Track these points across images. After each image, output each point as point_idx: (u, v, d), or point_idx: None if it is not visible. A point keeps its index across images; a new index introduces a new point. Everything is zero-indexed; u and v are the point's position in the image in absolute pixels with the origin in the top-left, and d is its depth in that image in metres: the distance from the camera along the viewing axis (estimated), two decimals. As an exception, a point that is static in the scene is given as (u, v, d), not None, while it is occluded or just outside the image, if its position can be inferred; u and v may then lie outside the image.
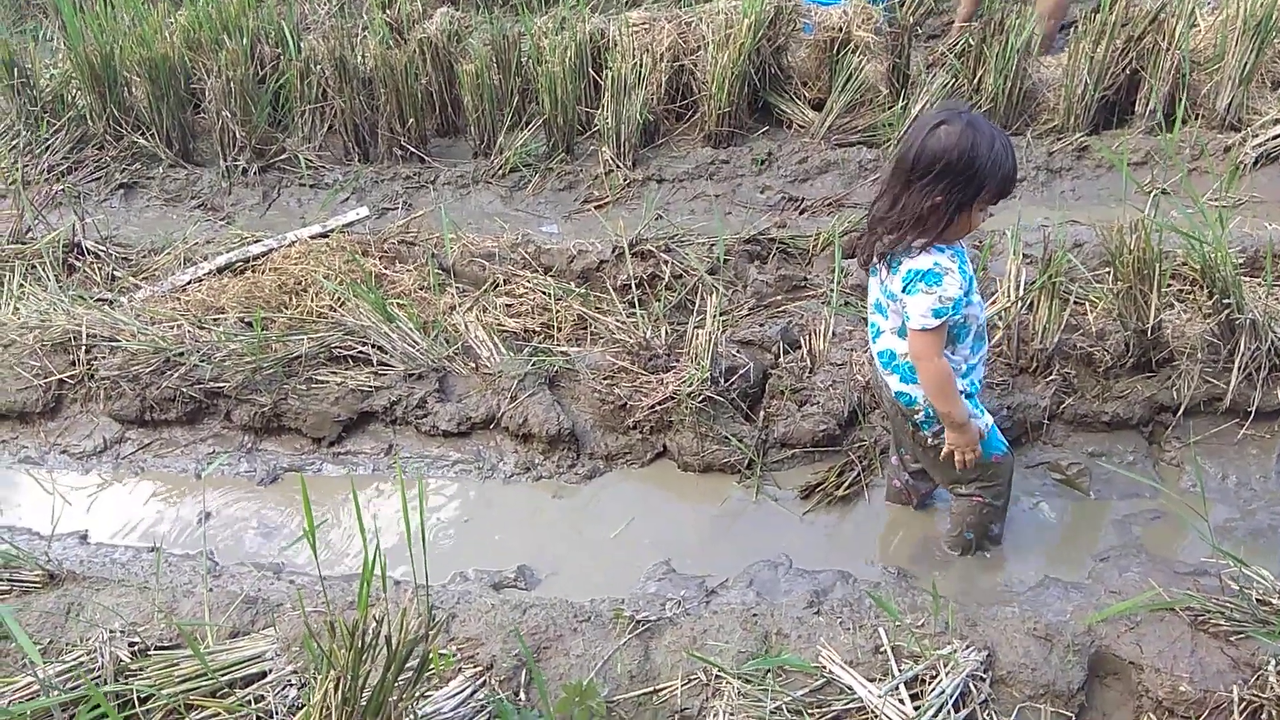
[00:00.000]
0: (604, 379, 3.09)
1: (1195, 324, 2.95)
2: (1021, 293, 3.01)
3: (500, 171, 4.37)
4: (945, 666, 2.06)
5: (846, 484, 2.82)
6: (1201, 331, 2.91)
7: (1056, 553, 2.61)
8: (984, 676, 2.08)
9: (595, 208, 4.20)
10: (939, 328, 2.07)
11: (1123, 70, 4.16)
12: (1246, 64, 3.98)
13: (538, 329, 3.38)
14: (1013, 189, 2.06)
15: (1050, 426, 2.91)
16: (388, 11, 5.12)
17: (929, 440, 2.34)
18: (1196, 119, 4.15)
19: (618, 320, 3.30)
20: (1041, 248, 3.00)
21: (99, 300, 3.60)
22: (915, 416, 2.31)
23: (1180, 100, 4.05)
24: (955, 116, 1.99)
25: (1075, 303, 3.08)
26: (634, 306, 3.35)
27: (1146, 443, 2.91)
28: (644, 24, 4.60)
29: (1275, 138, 3.95)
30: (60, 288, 3.70)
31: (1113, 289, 3.01)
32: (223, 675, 2.14)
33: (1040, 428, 2.89)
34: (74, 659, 2.23)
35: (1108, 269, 3.13)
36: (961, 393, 2.24)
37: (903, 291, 2.09)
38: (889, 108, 4.34)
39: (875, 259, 2.17)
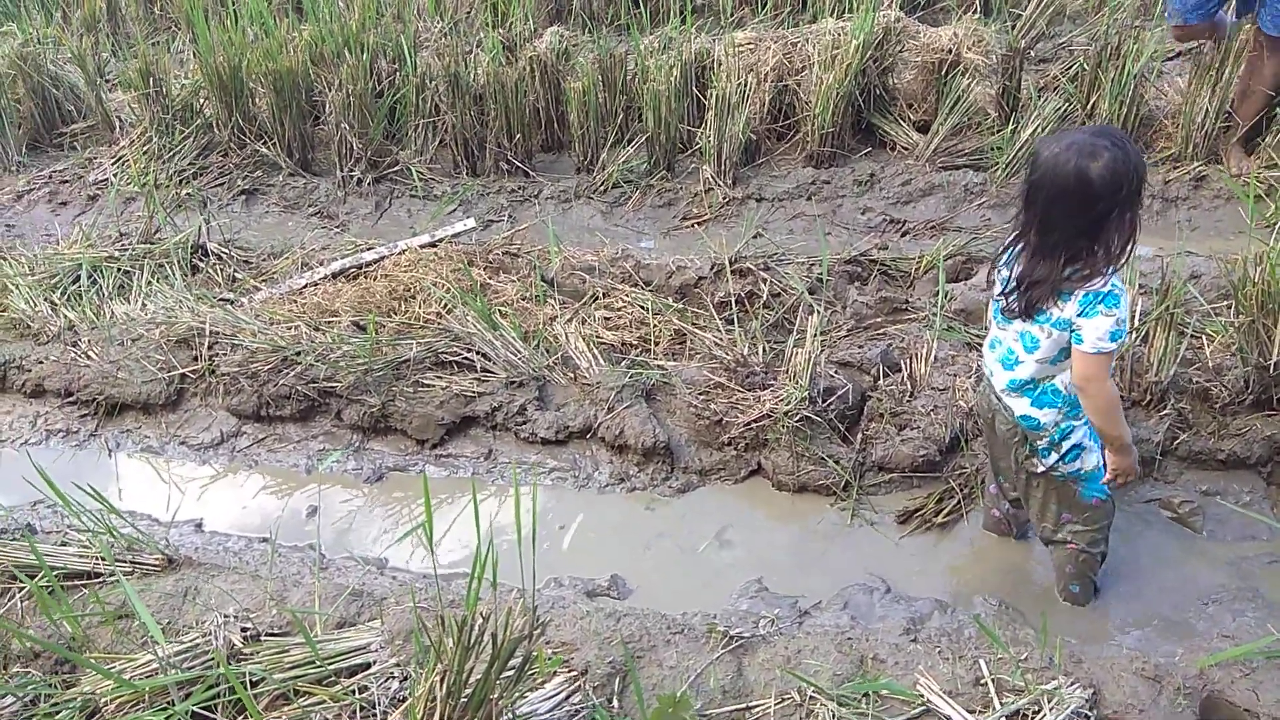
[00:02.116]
0: (700, 394, 3.11)
1: (1322, 362, 2.83)
2: (1137, 323, 2.92)
3: (602, 187, 4.45)
4: (1049, 702, 2.02)
5: (946, 511, 2.78)
6: (1329, 370, 2.78)
7: (1166, 592, 2.52)
8: (1089, 715, 2.03)
9: (695, 225, 4.24)
10: (1114, 350, 2.05)
11: (1247, 98, 4.01)
12: (1382, 93, 3.80)
13: (635, 342, 3.42)
14: None
15: (1163, 462, 2.82)
16: (499, 30, 5.26)
17: (1039, 469, 2.29)
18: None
19: (715, 336, 3.32)
20: (1158, 277, 2.92)
21: (221, 300, 3.78)
22: (1038, 442, 2.26)
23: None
24: (1080, 148, 1.95)
25: (1192, 336, 2.98)
26: (732, 323, 3.36)
27: (1265, 483, 2.79)
28: (749, 44, 4.64)
29: None
30: (185, 286, 3.90)
31: (1233, 322, 2.90)
32: (330, 664, 2.22)
33: (1153, 463, 2.80)
34: (190, 640, 2.34)
35: (1227, 302, 3.03)
36: (1084, 421, 2.21)
37: (1079, 315, 2.04)
38: (997, 131, 4.28)
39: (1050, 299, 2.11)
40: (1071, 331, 2.08)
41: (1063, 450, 2.25)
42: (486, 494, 3.06)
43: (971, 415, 2.91)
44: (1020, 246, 2.12)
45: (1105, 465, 2.29)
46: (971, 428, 2.91)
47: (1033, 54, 4.85)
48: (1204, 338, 3.01)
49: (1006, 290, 2.16)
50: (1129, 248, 2.03)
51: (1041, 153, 2.01)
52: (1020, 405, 2.24)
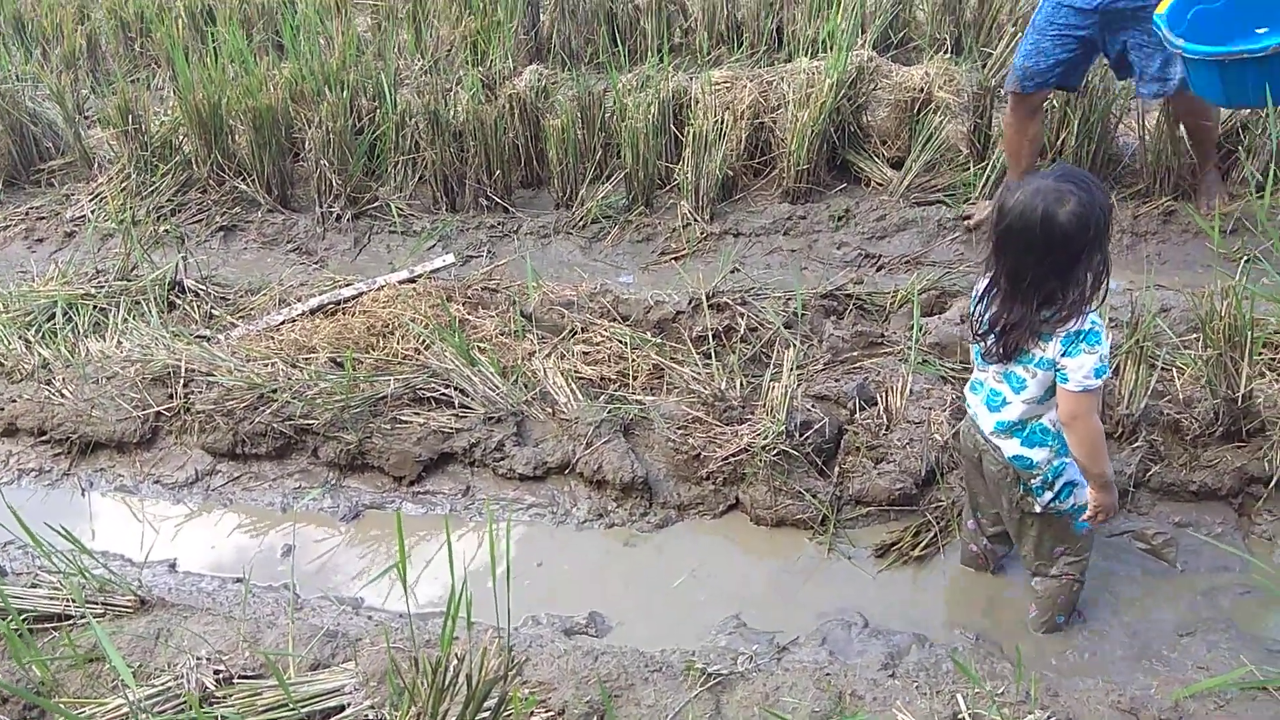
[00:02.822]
0: (678, 429, 3.12)
1: (1289, 394, 2.87)
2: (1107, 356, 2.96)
3: (581, 223, 4.48)
4: (1025, 736, 2.02)
5: (922, 544, 2.79)
6: (1295, 402, 2.83)
7: (1140, 624, 2.53)
8: (1065, 749, 2.03)
9: (673, 260, 4.27)
10: (1099, 387, 2.08)
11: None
12: (1343, 130, 3.89)
13: (614, 377, 3.43)
14: None
15: (1135, 494, 2.84)
16: (479, 68, 5.31)
17: (1035, 509, 2.30)
18: (1290, 185, 4.05)
19: (693, 371, 3.33)
20: (1128, 311, 2.96)
21: (197, 337, 3.76)
22: (1031, 481, 2.27)
23: (1272, 168, 3.97)
24: (1048, 196, 1.97)
25: (1162, 368, 3.03)
26: (709, 358, 3.38)
27: (1236, 514, 2.82)
28: (726, 82, 4.70)
29: (1374, 205, 3.84)
30: (162, 324, 3.88)
31: (1201, 355, 2.95)
32: (304, 707, 2.19)
33: (1125, 495, 2.82)
34: (162, 684, 2.31)
35: (1196, 335, 3.08)
36: (1065, 460, 2.23)
37: (1063, 355, 2.07)
38: (969, 168, 4.35)
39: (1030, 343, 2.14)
40: (1056, 371, 2.10)
41: (1056, 488, 2.26)
42: (464, 531, 3.05)
43: (947, 449, 2.94)
44: (993, 291, 2.15)
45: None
46: (947, 461, 2.93)
47: (1002, 92, 4.93)
48: (1174, 370, 3.05)
49: (983, 333, 2.19)
50: (1103, 287, 2.06)
51: (1007, 201, 2.03)
52: (1010, 446, 2.25)
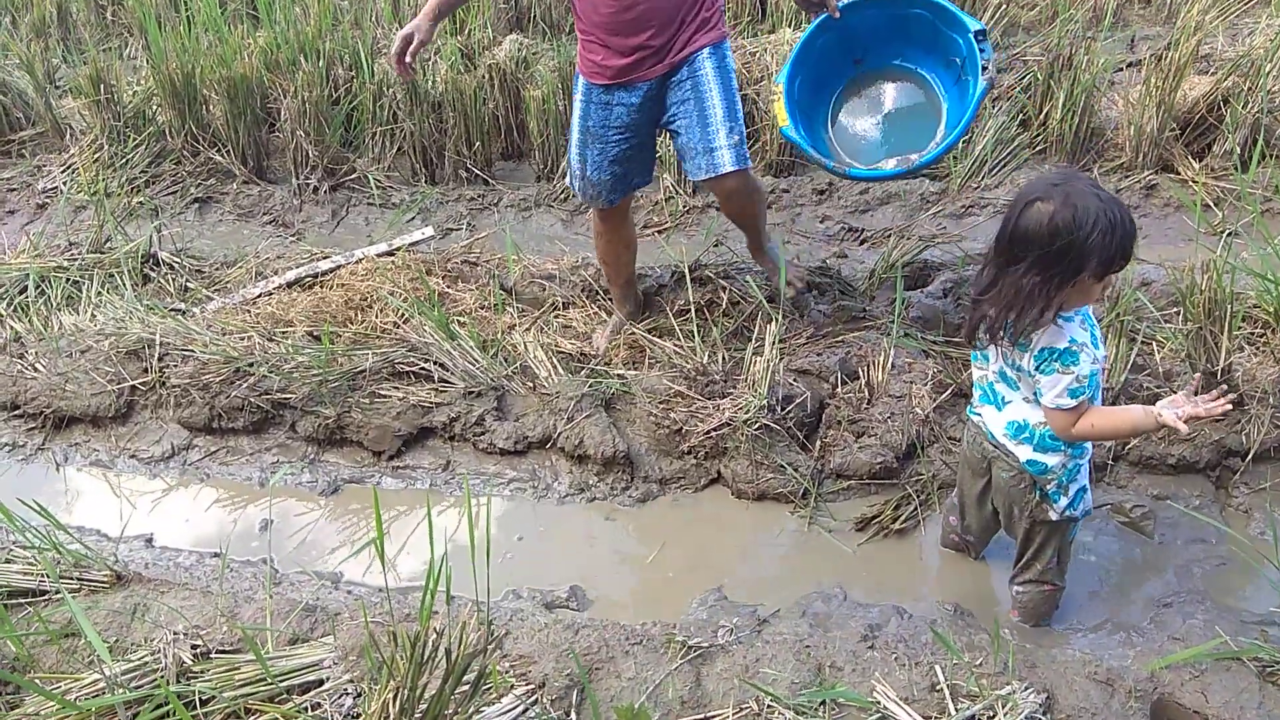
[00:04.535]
0: (660, 403, 3.10)
1: (1267, 367, 2.89)
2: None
3: (562, 195, 4.44)
4: (1003, 708, 2.03)
5: (903, 518, 2.79)
6: (1273, 375, 2.84)
7: (1118, 596, 2.55)
8: (1043, 719, 2.04)
9: (655, 233, 4.24)
10: (1075, 406, 2.01)
11: (1195, 111, 4.10)
12: (1324, 104, 3.90)
13: (595, 351, 3.41)
14: (1127, 261, 1.95)
15: (1114, 468, 2.86)
16: (458, 38, 5.24)
17: (1051, 516, 2.24)
18: (1271, 158, 4.07)
19: (675, 345, 3.31)
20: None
21: (172, 310, 3.72)
22: (1047, 486, 2.21)
23: (1256, 141, 3.98)
24: (1053, 191, 1.90)
25: (1142, 342, 3.04)
26: (691, 332, 3.36)
27: (1213, 487, 2.84)
28: (708, 53, 4.64)
29: (1353, 180, 3.85)
30: (136, 297, 3.82)
31: (1181, 329, 2.96)
32: (281, 681, 2.18)
33: (1104, 469, 2.84)
34: (139, 659, 2.29)
35: (1176, 309, 3.09)
36: (1087, 459, 2.21)
37: (1037, 370, 2.01)
38: (953, 141, 4.32)
39: (988, 335, 2.06)
40: (1035, 384, 2.06)
41: (1071, 494, 2.22)
42: (445, 505, 3.03)
43: (927, 422, 2.94)
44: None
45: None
46: (928, 434, 2.93)
47: (987, 67, 4.90)
48: (1154, 344, 3.06)
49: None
50: (1048, 307, 1.93)
51: (1039, 179, 2.00)
52: (1024, 451, 2.19)
